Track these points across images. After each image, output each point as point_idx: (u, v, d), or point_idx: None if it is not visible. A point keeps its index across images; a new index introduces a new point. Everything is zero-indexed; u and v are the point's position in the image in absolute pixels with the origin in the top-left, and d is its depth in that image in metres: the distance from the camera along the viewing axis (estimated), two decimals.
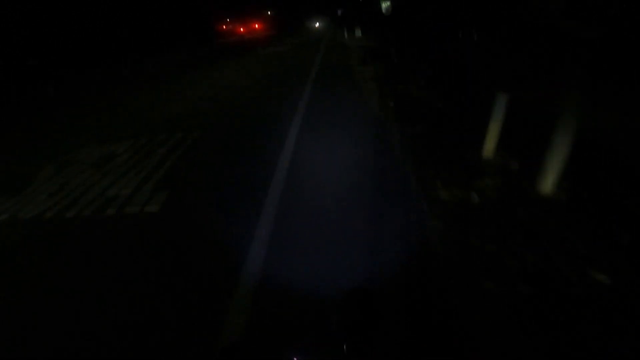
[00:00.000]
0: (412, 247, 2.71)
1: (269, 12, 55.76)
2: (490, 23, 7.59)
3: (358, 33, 20.87)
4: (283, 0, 56.72)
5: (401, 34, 17.98)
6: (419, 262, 2.57)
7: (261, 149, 4.82)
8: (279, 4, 56.39)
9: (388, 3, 9.19)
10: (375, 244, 2.74)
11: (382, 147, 4.35)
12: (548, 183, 3.20)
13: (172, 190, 4.21)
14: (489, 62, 8.18)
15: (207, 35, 40.99)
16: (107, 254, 3.24)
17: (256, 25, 52.28)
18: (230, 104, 7.29)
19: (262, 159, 4.47)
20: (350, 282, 2.33)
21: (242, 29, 48.27)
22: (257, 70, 11.83)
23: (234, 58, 17.32)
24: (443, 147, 4.13)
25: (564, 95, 2.69)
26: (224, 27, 49.90)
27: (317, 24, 47.71)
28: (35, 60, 24.57)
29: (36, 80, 19.58)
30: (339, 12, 27.83)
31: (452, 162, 3.83)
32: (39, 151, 6.53)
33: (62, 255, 3.38)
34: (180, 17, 36.40)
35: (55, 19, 24.28)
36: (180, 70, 15.37)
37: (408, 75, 7.83)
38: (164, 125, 6.61)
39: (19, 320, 2.63)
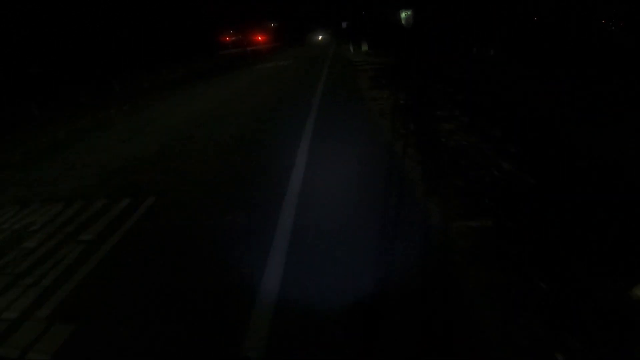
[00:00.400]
0: None
1: (272, 25, 54.72)
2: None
3: (364, 47, 19.16)
4: (286, 13, 55.69)
5: (422, 50, 16.08)
6: None
7: (239, 238, 2.97)
8: (282, 17, 55.35)
9: (409, 12, 7.36)
10: None
11: (428, 261, 2.48)
12: None
13: (79, 323, 2.37)
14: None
15: (210, 46, 39.58)
16: None
17: (259, 37, 51.27)
18: (207, 148, 5.41)
19: (236, 267, 2.61)
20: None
21: (245, 41, 47.11)
22: (252, 91, 10.02)
23: (230, 75, 15.57)
24: (546, 272, 2.25)
25: None
26: (227, 38, 48.80)
27: (320, 37, 46.41)
28: (38, 68, 22.87)
29: (31, 94, 17.74)
30: (344, 24, 26.15)
31: (570, 307, 1.97)
32: None
33: None
34: (183, 28, 34.80)
35: (57, 22, 22.53)
36: (170, 88, 13.62)
37: (438, 105, 6.00)
38: (115, 178, 4.74)
39: None
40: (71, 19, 23.51)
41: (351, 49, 21.09)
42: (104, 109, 10.37)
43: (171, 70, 23.28)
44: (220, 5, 42.98)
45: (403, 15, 6.95)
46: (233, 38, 49.09)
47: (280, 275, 2.48)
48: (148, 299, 2.49)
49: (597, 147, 4.07)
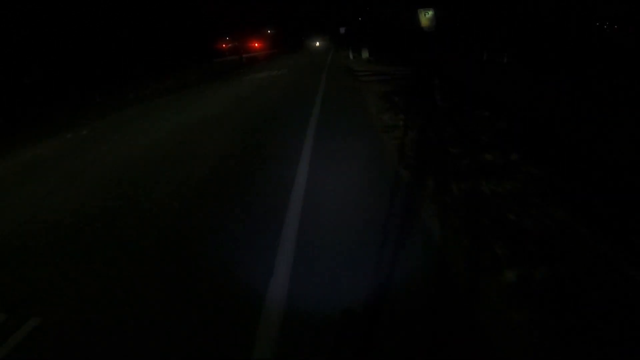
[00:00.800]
0: None
1: (269, 31, 53.28)
2: None
3: (365, 54, 17.44)
4: (283, 19, 54.25)
5: (430, 56, 14.13)
6: None
7: None
8: (279, 23, 53.92)
9: (430, 13, 5.58)
10: None
11: None
12: None
13: None
14: None
15: (206, 54, 37.96)
16: None
17: (255, 44, 49.93)
18: (148, 217, 3.64)
19: None
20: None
21: (241, 48, 45.66)
22: (236, 112, 8.25)
23: (216, 87, 13.78)
24: None
25: None
26: (224, 45, 47.34)
27: (318, 43, 44.84)
28: (32, 78, 21.17)
29: (16, 107, 15.84)
30: (342, 30, 24.43)
31: None
32: None
33: None
34: (182, 34, 33.03)
35: (56, 26, 20.76)
36: (149, 103, 11.85)
37: (481, 140, 4.23)
38: (2, 270, 2.98)
39: None
40: (67, 24, 21.79)
41: (351, 56, 19.39)
42: (61, 132, 8.59)
43: (160, 80, 21.55)
44: (220, 7, 41.40)
45: (424, 15, 5.27)
46: (229, 45, 47.64)
47: None
48: None
49: None
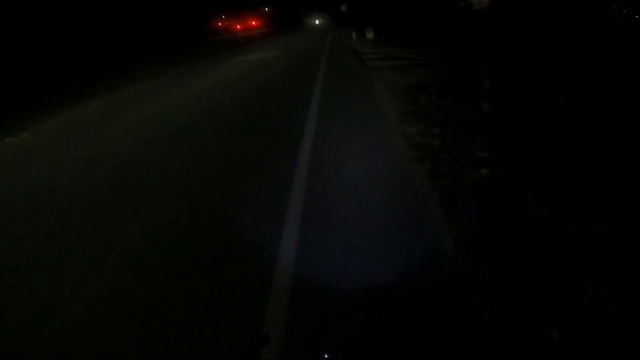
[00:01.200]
0: None
1: (266, 9, 50.47)
2: None
3: (370, 34, 15.47)
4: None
5: (439, 38, 12.04)
6: None
7: None
8: (277, 1, 51.04)
9: None
10: None
11: None
12: None
13: None
14: None
15: (199, 33, 35.37)
16: None
17: (253, 22, 47.20)
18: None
19: None
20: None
21: (238, 26, 43.02)
22: (211, 114, 6.53)
23: (198, 74, 11.86)
24: None
25: None
26: (220, 24, 44.59)
27: (317, 22, 42.25)
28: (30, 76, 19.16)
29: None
30: (343, 7, 22.15)
31: None
32: None
33: None
34: (175, 15, 30.41)
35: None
36: (118, 94, 10.06)
37: (574, 186, 2.61)
38: None
39: None
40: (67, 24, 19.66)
41: (354, 36, 17.40)
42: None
43: (145, 64, 19.41)
44: (219, 3, 38.64)
45: None
46: (225, 23, 44.90)
47: None
48: None
49: None
